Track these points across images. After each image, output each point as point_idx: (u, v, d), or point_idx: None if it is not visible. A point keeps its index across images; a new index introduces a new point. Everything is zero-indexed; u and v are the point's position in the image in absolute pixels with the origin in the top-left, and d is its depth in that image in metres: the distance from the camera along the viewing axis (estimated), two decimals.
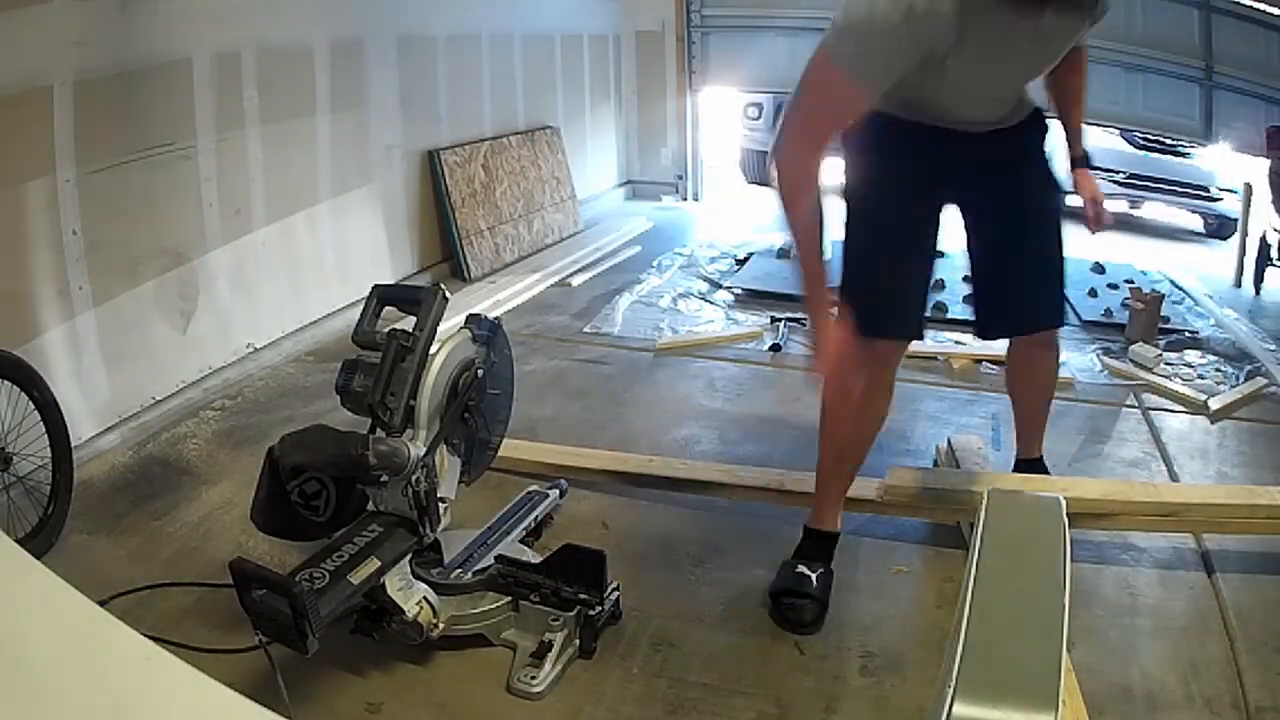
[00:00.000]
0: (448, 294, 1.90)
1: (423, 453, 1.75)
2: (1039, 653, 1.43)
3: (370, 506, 1.81)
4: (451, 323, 1.95)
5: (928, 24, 1.56)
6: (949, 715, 1.32)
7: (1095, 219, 2.21)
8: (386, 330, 1.83)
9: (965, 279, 4.85)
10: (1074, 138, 2.26)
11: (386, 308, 1.92)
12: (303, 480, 1.75)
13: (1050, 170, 2.07)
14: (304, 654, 1.54)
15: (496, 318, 2.01)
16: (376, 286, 1.93)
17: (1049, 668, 1.38)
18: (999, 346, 3.78)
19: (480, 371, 1.90)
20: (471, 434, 1.92)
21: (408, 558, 1.77)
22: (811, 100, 1.68)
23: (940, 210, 2.02)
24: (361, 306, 1.91)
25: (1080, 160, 2.27)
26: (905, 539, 2.35)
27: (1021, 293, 2.07)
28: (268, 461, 1.75)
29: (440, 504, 1.83)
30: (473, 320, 1.95)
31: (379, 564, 1.67)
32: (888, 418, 2.10)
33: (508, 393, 2.03)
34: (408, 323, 1.84)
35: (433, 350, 1.83)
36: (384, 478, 1.72)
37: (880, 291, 1.91)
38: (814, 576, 2.00)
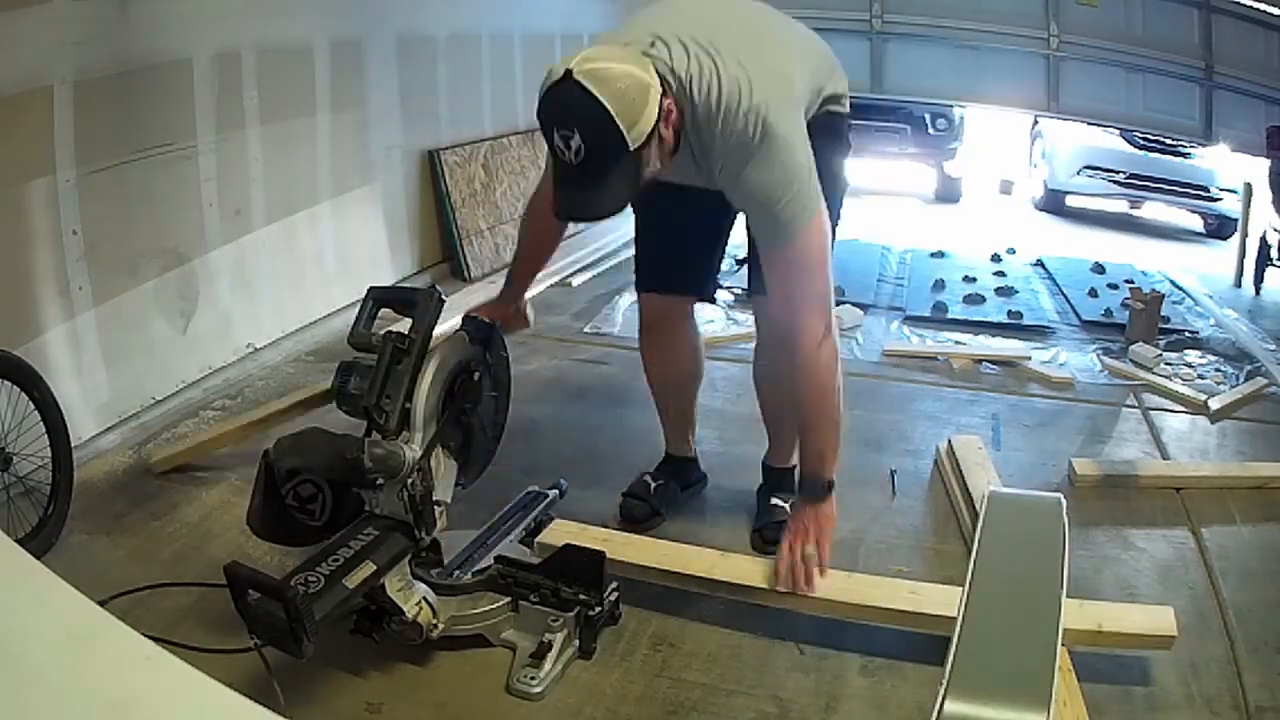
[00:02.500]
0: (444, 296, 1.89)
1: (418, 455, 1.75)
2: (1034, 651, 1.43)
3: (367, 509, 1.81)
4: (449, 324, 1.95)
5: None
6: (940, 713, 1.32)
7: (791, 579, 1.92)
8: (382, 332, 1.82)
9: (965, 279, 4.86)
10: (803, 464, 2.00)
11: (384, 310, 1.92)
12: (297, 483, 1.74)
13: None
14: (299, 658, 1.54)
15: (493, 319, 2.00)
16: (372, 289, 1.92)
17: (1043, 666, 1.38)
18: (999, 346, 3.82)
19: (477, 374, 1.89)
20: (468, 437, 1.91)
21: (406, 559, 1.77)
22: (819, 263, 1.85)
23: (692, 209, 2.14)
24: (357, 308, 1.90)
25: (807, 486, 1.99)
26: (905, 539, 2.35)
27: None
28: (263, 465, 1.75)
29: (436, 507, 1.82)
30: (469, 322, 1.94)
31: (375, 568, 1.66)
32: (698, 370, 2.44)
33: (505, 395, 2.03)
34: (404, 324, 1.83)
35: (429, 353, 1.83)
36: (380, 481, 1.71)
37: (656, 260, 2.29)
38: (653, 485, 2.41)
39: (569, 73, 1.62)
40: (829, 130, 2.03)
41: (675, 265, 2.28)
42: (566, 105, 1.63)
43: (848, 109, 2.14)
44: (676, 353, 2.37)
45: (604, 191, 1.68)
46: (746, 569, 1.98)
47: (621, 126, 1.62)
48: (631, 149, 1.66)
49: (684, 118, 1.78)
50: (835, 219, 2.01)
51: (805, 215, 1.80)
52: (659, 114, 1.68)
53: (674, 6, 1.94)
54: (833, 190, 1.99)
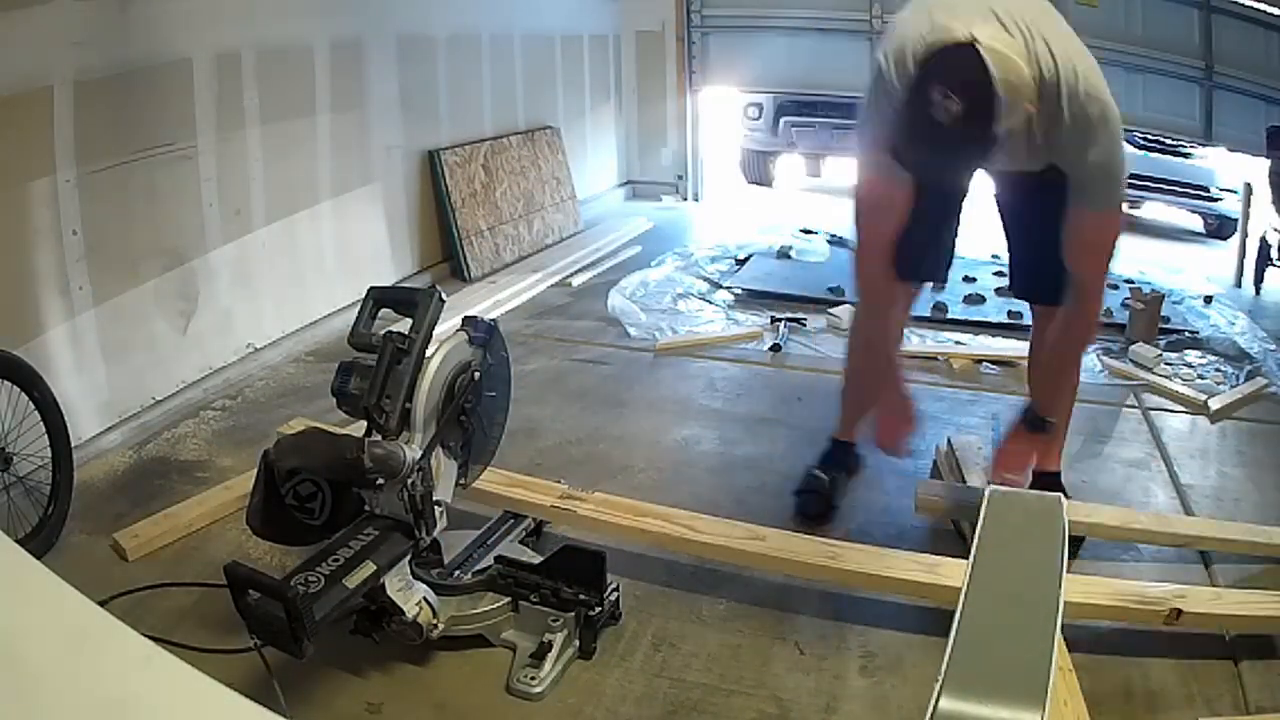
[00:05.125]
0: (444, 296, 1.89)
1: (418, 456, 1.75)
2: (1030, 650, 1.42)
3: (367, 509, 1.81)
4: (449, 324, 1.95)
5: (886, 84, 1.91)
6: (935, 711, 1.32)
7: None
8: (383, 332, 1.82)
9: (965, 279, 4.85)
10: (1032, 401, 2.27)
11: (384, 310, 1.92)
12: (297, 482, 1.75)
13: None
14: (299, 658, 1.54)
15: (493, 319, 1.99)
16: (372, 288, 1.92)
17: (1039, 666, 1.37)
18: (999, 346, 3.81)
19: (477, 374, 1.89)
20: (468, 437, 1.91)
21: (406, 559, 1.77)
22: (863, 211, 2.08)
23: (962, 183, 2.29)
24: (358, 308, 1.90)
25: (1029, 423, 2.25)
26: (906, 539, 2.35)
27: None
28: (263, 465, 1.75)
29: (436, 507, 1.82)
30: (469, 322, 1.94)
31: (374, 568, 1.66)
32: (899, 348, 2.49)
33: (505, 395, 2.03)
34: (405, 325, 1.83)
35: (429, 353, 1.83)
36: (380, 481, 1.71)
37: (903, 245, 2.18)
38: (826, 479, 2.44)
39: (975, 40, 1.74)
40: None
41: (916, 249, 2.23)
42: (962, 70, 1.73)
43: None
44: (891, 335, 2.42)
45: (959, 159, 1.87)
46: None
47: (996, 113, 1.73)
48: (997, 137, 1.76)
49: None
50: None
51: (1121, 196, 1.99)
52: (1019, 114, 1.80)
53: None
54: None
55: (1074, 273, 2.04)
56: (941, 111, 1.70)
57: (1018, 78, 1.75)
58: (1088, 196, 1.94)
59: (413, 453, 1.73)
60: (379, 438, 1.75)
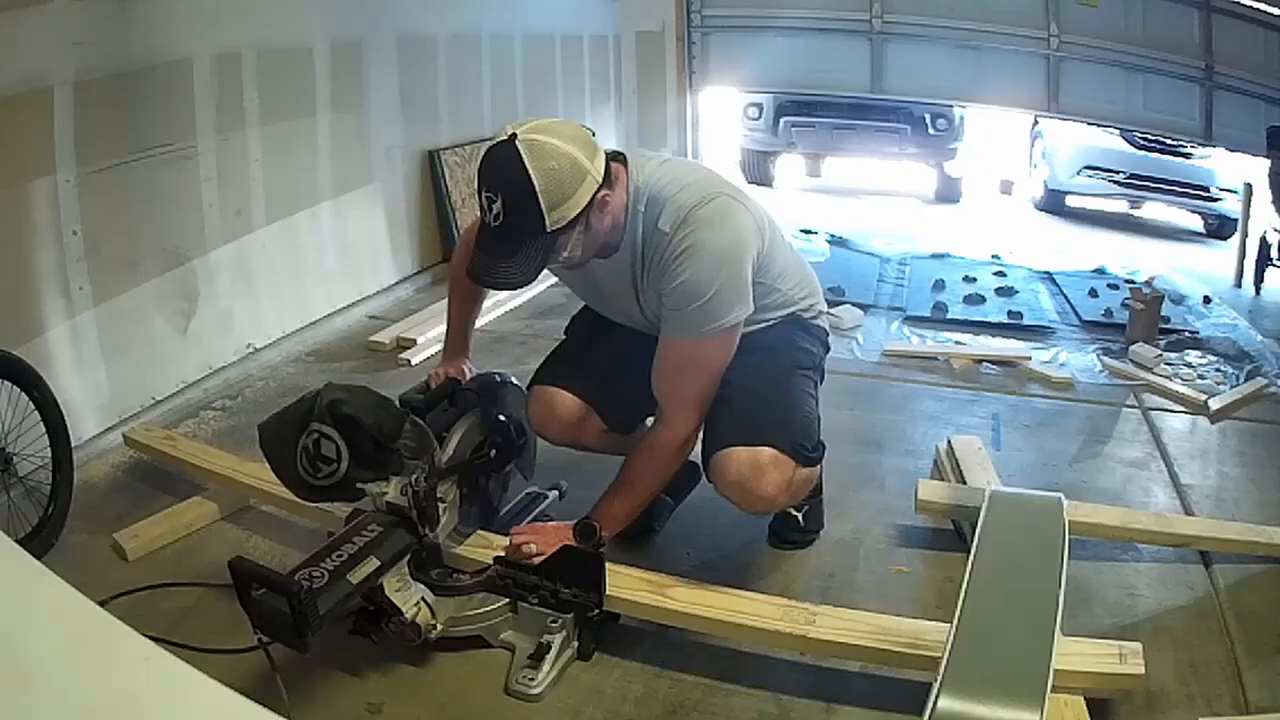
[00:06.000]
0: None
1: (443, 459, 1.83)
2: (1029, 650, 1.42)
3: (360, 509, 1.84)
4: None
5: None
6: (934, 710, 1.32)
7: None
8: (445, 376, 2.04)
9: (965, 279, 4.86)
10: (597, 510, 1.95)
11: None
12: (323, 435, 1.73)
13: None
14: (302, 653, 1.55)
15: (515, 382, 2.14)
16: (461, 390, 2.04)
17: (1038, 665, 1.37)
18: (999, 346, 3.82)
19: (492, 452, 2.02)
20: (478, 490, 2.02)
21: (406, 559, 1.78)
22: (715, 370, 1.87)
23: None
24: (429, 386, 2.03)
25: (580, 530, 1.91)
26: (906, 540, 2.35)
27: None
28: (307, 395, 1.77)
29: (439, 504, 1.84)
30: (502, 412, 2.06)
31: (378, 563, 1.67)
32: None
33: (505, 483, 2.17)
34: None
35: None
36: (404, 453, 1.77)
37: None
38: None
39: (514, 136, 1.64)
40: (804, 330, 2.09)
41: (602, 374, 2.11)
42: (497, 168, 1.65)
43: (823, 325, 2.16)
44: (605, 446, 2.19)
45: (511, 264, 1.70)
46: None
47: (543, 205, 1.64)
48: (548, 229, 1.66)
49: (634, 221, 1.82)
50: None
51: (721, 321, 1.79)
52: (589, 203, 1.69)
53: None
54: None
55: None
56: (488, 213, 1.67)
57: (564, 167, 1.64)
58: (668, 324, 1.84)
59: (439, 453, 1.83)
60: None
